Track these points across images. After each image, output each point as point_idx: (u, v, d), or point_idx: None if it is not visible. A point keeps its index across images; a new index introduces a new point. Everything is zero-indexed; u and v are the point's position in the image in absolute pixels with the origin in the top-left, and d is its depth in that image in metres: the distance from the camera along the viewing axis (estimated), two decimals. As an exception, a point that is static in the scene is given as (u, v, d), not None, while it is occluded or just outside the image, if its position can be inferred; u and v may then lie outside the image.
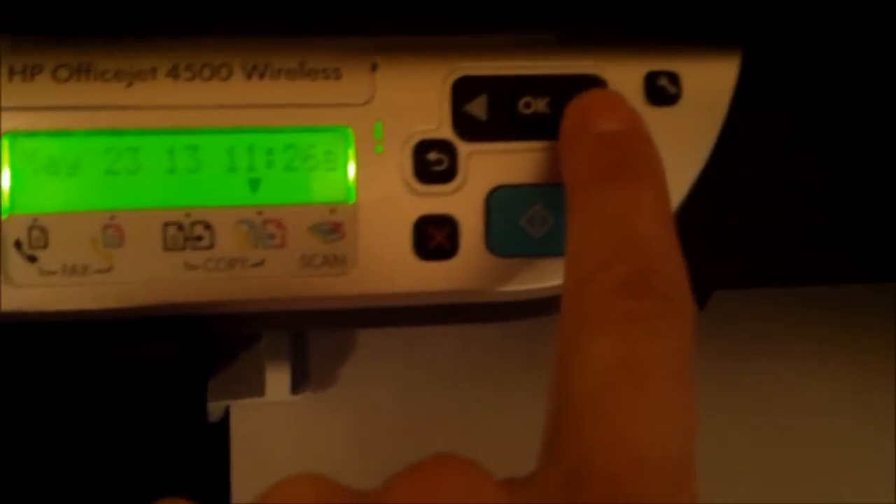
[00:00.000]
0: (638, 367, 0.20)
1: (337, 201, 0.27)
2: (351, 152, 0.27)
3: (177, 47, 0.26)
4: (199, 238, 0.26)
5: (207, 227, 0.26)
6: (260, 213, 0.26)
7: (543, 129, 0.27)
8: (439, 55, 0.27)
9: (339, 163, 0.27)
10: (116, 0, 0.26)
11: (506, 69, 0.27)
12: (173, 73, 0.26)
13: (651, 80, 0.28)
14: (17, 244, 0.26)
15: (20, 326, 0.27)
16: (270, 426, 0.41)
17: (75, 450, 0.40)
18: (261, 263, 0.27)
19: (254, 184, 0.26)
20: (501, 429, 0.41)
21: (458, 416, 0.43)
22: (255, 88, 0.26)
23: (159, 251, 0.26)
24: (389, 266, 0.27)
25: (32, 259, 0.26)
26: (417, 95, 0.27)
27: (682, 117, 0.28)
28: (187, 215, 0.26)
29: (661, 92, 0.28)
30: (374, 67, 0.27)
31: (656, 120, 0.27)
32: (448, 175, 0.27)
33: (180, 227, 0.26)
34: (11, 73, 0.26)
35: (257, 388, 0.40)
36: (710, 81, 0.28)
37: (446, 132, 0.27)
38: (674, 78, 0.28)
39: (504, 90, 0.27)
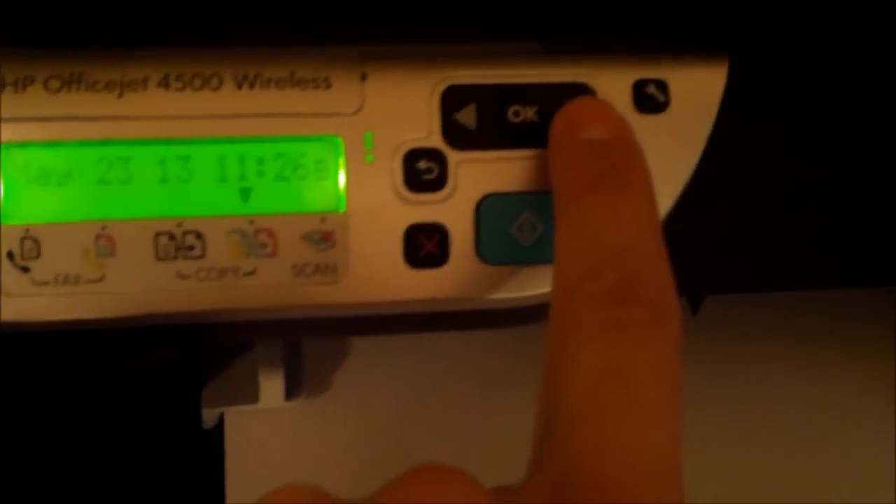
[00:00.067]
0: (625, 373, 0.20)
1: (328, 210, 0.27)
2: (341, 161, 0.27)
3: (167, 57, 0.26)
4: (191, 247, 0.26)
5: (199, 236, 0.26)
6: (251, 222, 0.27)
7: (533, 137, 0.27)
8: (428, 64, 0.27)
9: (330, 172, 0.27)
10: (107, 11, 0.26)
11: (495, 78, 0.28)
12: (164, 84, 0.26)
13: (639, 87, 0.28)
14: (10, 255, 0.26)
15: (13, 336, 0.27)
16: (264, 433, 0.41)
17: (70, 457, 0.40)
18: (252, 272, 0.27)
19: (245, 193, 0.27)
20: (496, 433, 0.41)
21: (452, 422, 0.43)
22: (245, 98, 0.26)
23: (151, 261, 0.26)
24: (380, 274, 0.27)
25: (25, 269, 0.26)
26: (407, 104, 0.27)
27: (670, 125, 0.28)
28: (179, 225, 0.26)
29: (649, 100, 0.28)
30: (363, 77, 0.27)
31: (645, 127, 0.27)
32: (438, 183, 0.27)
33: (172, 237, 0.26)
34: (3, 84, 0.26)
35: (251, 395, 0.40)
36: (698, 89, 0.29)
37: (436, 141, 0.27)
38: (662, 86, 0.28)
39: (493, 99, 0.27)
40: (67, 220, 0.26)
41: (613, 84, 0.28)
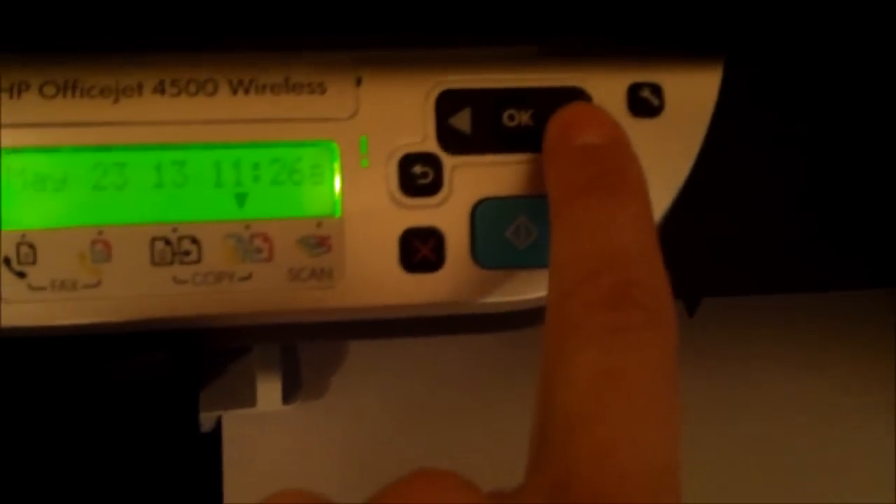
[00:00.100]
0: (621, 378, 0.20)
1: (323, 215, 0.27)
2: (336, 166, 0.27)
3: (162, 63, 0.26)
4: (187, 252, 0.26)
5: (195, 241, 0.26)
6: (247, 227, 0.27)
7: (528, 141, 0.28)
8: (423, 69, 0.27)
9: (325, 177, 0.27)
10: (102, 17, 0.26)
11: (489, 82, 0.28)
12: (159, 89, 0.26)
13: (634, 91, 0.28)
14: (6, 260, 0.26)
15: (10, 341, 0.27)
16: (262, 436, 0.41)
17: (68, 462, 0.40)
18: (248, 277, 0.27)
19: (241, 198, 0.27)
20: (493, 437, 0.41)
21: (449, 425, 0.43)
22: (240, 103, 0.27)
23: (147, 266, 0.26)
24: (376, 279, 0.27)
25: (21, 275, 0.26)
26: (402, 109, 0.27)
27: (665, 129, 0.28)
28: (175, 230, 0.26)
29: (643, 104, 0.28)
30: (358, 82, 0.27)
31: (639, 131, 0.27)
32: (433, 188, 0.27)
33: (168, 242, 0.26)
34: (-2, 90, 0.26)
35: (249, 399, 0.40)
36: (693, 92, 0.29)
37: (431, 145, 0.27)
38: (656, 89, 0.28)
39: (488, 103, 0.28)
40: (63, 226, 0.26)
41: (608, 88, 0.28)
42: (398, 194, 0.27)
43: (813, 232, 0.31)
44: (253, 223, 0.27)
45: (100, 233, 0.26)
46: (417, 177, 0.27)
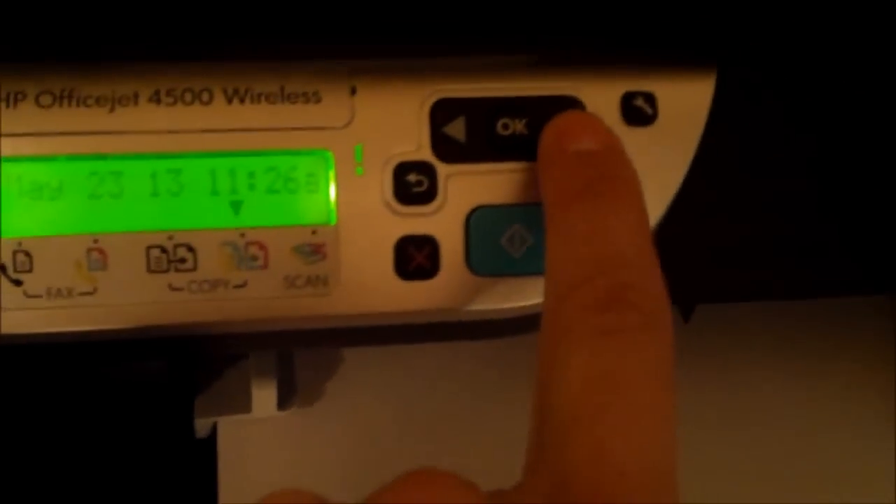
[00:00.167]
0: (616, 378, 0.20)
1: (318, 223, 0.27)
2: (331, 175, 0.27)
3: (158, 73, 0.27)
4: (183, 260, 0.27)
5: (190, 249, 0.27)
6: (242, 235, 0.27)
7: (522, 149, 0.28)
8: (417, 78, 0.28)
9: (320, 185, 0.27)
10: (98, 27, 0.26)
11: (484, 91, 0.28)
12: (155, 98, 0.26)
13: (627, 100, 0.28)
14: (3, 268, 0.26)
15: (6, 348, 0.27)
16: (257, 442, 0.41)
17: (63, 468, 0.40)
18: (244, 285, 0.27)
19: (236, 206, 0.27)
20: (489, 441, 0.41)
21: (445, 430, 0.43)
22: (236, 113, 0.27)
23: (143, 273, 0.26)
24: (371, 286, 0.27)
25: (17, 283, 0.26)
26: (396, 118, 0.27)
27: (658, 137, 0.28)
28: (170, 238, 0.26)
29: (637, 112, 0.28)
30: (353, 91, 0.27)
31: (633, 140, 0.28)
32: (428, 196, 0.27)
33: (163, 250, 0.26)
34: (-5, 100, 0.26)
35: (244, 405, 0.40)
36: (686, 101, 0.29)
37: (426, 154, 0.27)
38: (650, 98, 0.28)
39: (482, 112, 0.28)
40: (59, 234, 0.26)
41: (602, 97, 0.28)
42: (393, 202, 0.27)
43: (808, 239, 0.31)
44: (248, 231, 0.27)
45: (95, 241, 0.26)
46: (412, 185, 0.27)
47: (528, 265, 0.28)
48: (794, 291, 0.32)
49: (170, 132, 0.26)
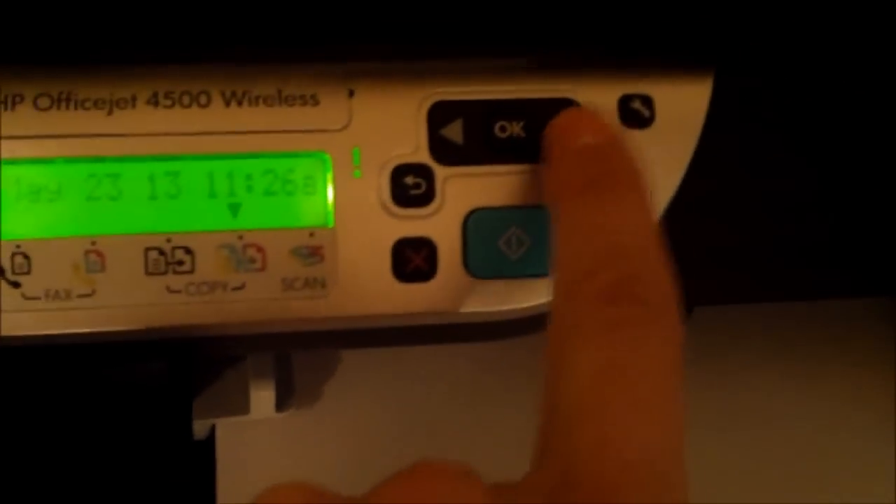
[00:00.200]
0: (624, 371, 0.20)
1: (316, 225, 0.27)
2: (329, 177, 0.27)
3: (156, 75, 0.27)
4: (181, 263, 0.27)
5: (188, 251, 0.27)
6: (240, 237, 0.27)
7: (519, 152, 0.28)
8: (415, 81, 0.28)
9: (318, 187, 0.27)
10: (96, 30, 0.26)
11: (481, 94, 0.28)
12: (153, 101, 0.26)
13: (625, 103, 0.28)
14: (1, 270, 0.26)
15: (4, 350, 0.27)
16: (256, 444, 0.41)
17: (60, 469, 0.40)
18: (242, 287, 0.27)
19: (234, 209, 0.27)
20: (488, 442, 0.41)
21: (443, 431, 0.43)
22: (233, 115, 0.27)
23: (141, 276, 0.26)
24: (369, 288, 0.27)
25: (16, 285, 0.26)
26: (394, 120, 0.27)
27: (655, 140, 0.28)
28: (168, 240, 0.27)
29: (634, 115, 0.28)
30: (350, 93, 0.27)
31: (630, 142, 0.27)
32: (425, 198, 0.27)
33: (161, 252, 0.27)
34: (-6, 103, 0.26)
35: (242, 407, 0.40)
36: (684, 104, 0.29)
37: (423, 156, 0.27)
38: (647, 101, 0.28)
39: (480, 114, 0.28)
40: (57, 236, 0.26)
41: (599, 99, 0.28)
42: (390, 204, 0.27)
43: (806, 241, 0.31)
44: (246, 233, 0.27)
45: (93, 243, 0.26)
46: (410, 187, 0.27)
47: (525, 267, 0.28)
48: (793, 293, 0.32)
49: (168, 134, 0.26)
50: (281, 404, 0.41)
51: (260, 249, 0.27)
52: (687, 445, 0.21)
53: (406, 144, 0.27)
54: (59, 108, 0.26)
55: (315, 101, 0.27)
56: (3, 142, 0.26)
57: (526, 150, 0.28)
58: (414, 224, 0.27)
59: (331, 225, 0.27)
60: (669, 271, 0.23)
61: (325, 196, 0.27)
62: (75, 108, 0.26)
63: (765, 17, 0.28)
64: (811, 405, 0.45)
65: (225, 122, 0.27)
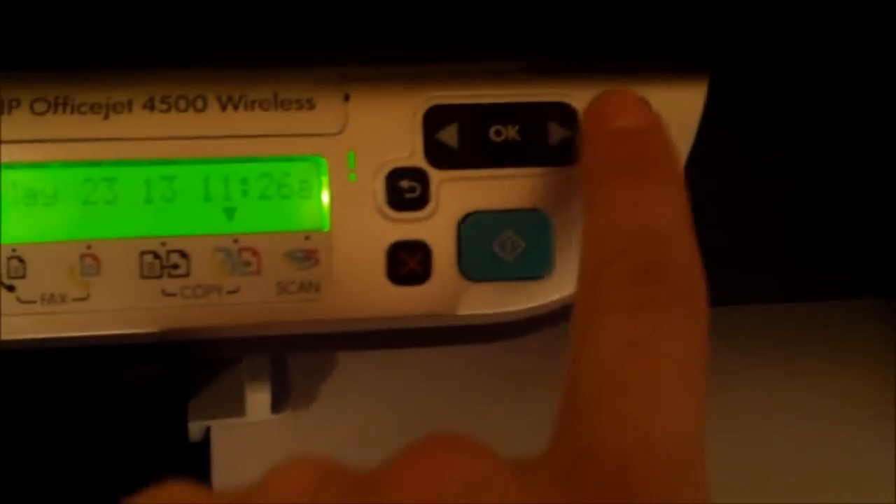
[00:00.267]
0: (648, 349, 0.20)
1: (311, 229, 0.27)
2: (325, 181, 0.27)
3: (153, 80, 0.27)
4: (176, 266, 0.27)
5: (184, 255, 0.27)
6: (235, 241, 0.27)
7: (514, 155, 0.28)
8: (411, 85, 0.28)
9: (313, 191, 0.27)
10: (92, 35, 0.26)
11: (477, 98, 0.28)
12: (149, 105, 0.27)
13: (620, 106, 0.28)
14: None
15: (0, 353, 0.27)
16: (251, 446, 0.41)
17: (55, 471, 0.40)
18: (237, 290, 0.27)
19: (229, 212, 0.27)
20: (486, 442, 0.41)
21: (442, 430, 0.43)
22: (229, 119, 0.27)
23: (136, 279, 0.27)
24: (363, 291, 0.27)
25: (10, 289, 0.26)
26: (390, 124, 0.27)
27: (651, 142, 0.28)
28: (163, 244, 0.27)
29: (630, 118, 0.28)
30: (346, 98, 0.27)
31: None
32: (420, 202, 0.28)
33: (157, 256, 0.27)
34: (-9, 107, 0.26)
35: (238, 409, 0.40)
36: (679, 107, 0.29)
37: (418, 160, 0.28)
38: (643, 104, 0.28)
39: (475, 118, 0.28)
40: (53, 240, 0.26)
41: None
42: (385, 208, 0.27)
43: (805, 242, 0.31)
44: (241, 237, 0.27)
45: (89, 247, 0.26)
46: (405, 191, 0.27)
47: (520, 270, 0.28)
48: (792, 294, 0.32)
49: (164, 139, 0.26)
50: (277, 406, 0.41)
51: (255, 253, 0.27)
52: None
53: (401, 148, 0.27)
54: (55, 112, 0.26)
55: (311, 106, 0.27)
56: (0, 146, 0.26)
57: (521, 154, 0.28)
58: (409, 227, 0.28)
59: (326, 229, 0.27)
60: (699, 257, 0.22)
61: (320, 200, 0.27)
62: (72, 113, 0.26)
63: (759, 18, 0.28)
64: (811, 406, 0.45)
65: (221, 126, 0.27)
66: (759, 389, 0.45)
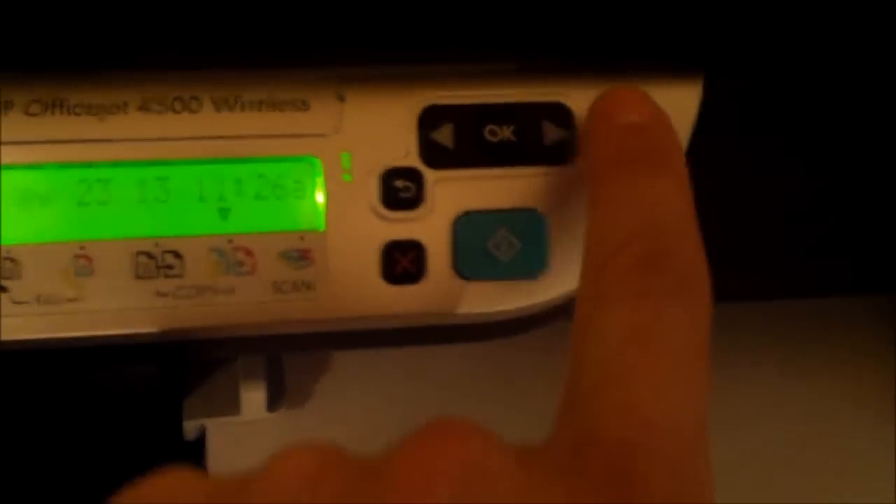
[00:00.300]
0: (651, 337, 0.20)
1: (306, 229, 0.27)
2: (319, 181, 0.27)
3: (147, 81, 0.27)
4: (170, 266, 0.27)
5: (178, 255, 0.27)
6: (230, 241, 0.27)
7: (509, 155, 0.28)
8: (406, 85, 0.28)
9: (308, 191, 0.27)
10: (87, 36, 0.26)
11: (472, 98, 0.28)
12: (144, 107, 0.26)
13: (616, 106, 0.28)
14: None
15: (-6, 354, 0.27)
16: (247, 444, 0.41)
17: (50, 471, 0.40)
18: (231, 290, 0.27)
19: (224, 213, 0.27)
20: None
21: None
22: (224, 120, 0.27)
23: (130, 280, 0.26)
24: (358, 291, 0.27)
25: (4, 289, 0.26)
26: (385, 125, 0.27)
27: (647, 142, 0.28)
28: (157, 244, 0.27)
29: (625, 117, 0.28)
30: (341, 98, 0.27)
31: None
32: (415, 202, 0.28)
33: (151, 256, 0.27)
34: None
35: (233, 407, 0.40)
36: (674, 106, 0.28)
37: (413, 160, 0.28)
38: (637, 104, 0.28)
39: (470, 118, 0.28)
40: (47, 241, 0.26)
41: (589, 102, 0.28)
42: (380, 208, 0.27)
43: (803, 240, 0.31)
44: (236, 237, 0.27)
45: (82, 248, 0.26)
46: (399, 191, 0.27)
47: (514, 269, 0.28)
48: (790, 291, 0.33)
49: (158, 140, 0.26)
50: (272, 404, 0.41)
51: (249, 253, 0.27)
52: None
53: (396, 148, 0.27)
54: (51, 114, 0.26)
55: (306, 106, 0.27)
56: (-2, 147, 0.26)
57: (516, 154, 0.28)
58: (403, 227, 0.28)
59: (321, 228, 0.27)
60: (703, 249, 0.23)
61: (314, 200, 0.27)
62: (67, 114, 0.26)
63: (754, 17, 0.28)
64: (811, 404, 0.45)
65: (216, 127, 0.27)
66: (760, 387, 0.45)
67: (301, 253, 0.27)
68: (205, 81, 0.27)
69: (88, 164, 0.26)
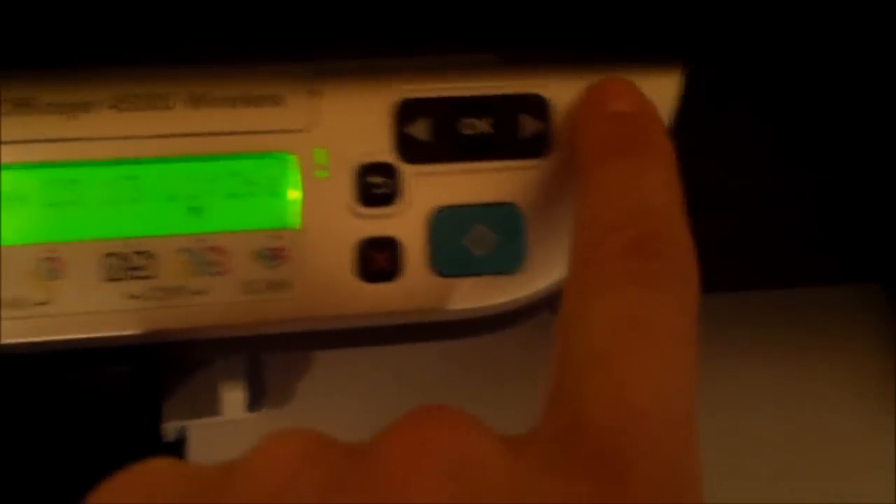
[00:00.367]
0: (639, 321, 0.20)
1: (280, 227, 0.27)
2: (294, 178, 0.27)
3: (118, 78, 0.26)
4: (141, 268, 0.26)
5: (149, 256, 0.26)
6: (202, 240, 0.26)
7: (486, 149, 0.28)
8: (381, 79, 0.27)
9: (282, 189, 0.27)
10: (57, 34, 0.25)
11: (448, 91, 0.28)
12: (115, 105, 0.26)
13: (594, 97, 0.28)
14: None
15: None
16: (228, 445, 0.41)
17: (27, 475, 0.40)
18: (204, 291, 0.26)
19: (196, 212, 0.26)
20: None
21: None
22: (197, 117, 0.26)
23: (101, 282, 0.26)
24: (333, 289, 0.27)
25: None
26: (360, 119, 0.27)
27: (625, 133, 0.28)
28: (128, 245, 0.26)
29: (603, 108, 0.28)
30: (315, 93, 0.27)
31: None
32: (390, 197, 0.27)
33: (121, 258, 0.26)
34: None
35: (213, 408, 0.40)
36: (653, 97, 0.28)
37: (389, 155, 0.27)
38: (615, 94, 0.28)
39: (446, 112, 0.28)
40: (15, 244, 0.26)
41: (568, 94, 0.28)
42: (355, 204, 0.27)
43: (790, 229, 0.31)
44: (208, 237, 0.26)
45: (52, 250, 0.26)
46: (374, 186, 0.27)
47: (491, 265, 0.28)
48: (778, 281, 0.33)
49: (130, 138, 0.26)
50: (253, 404, 0.40)
51: (222, 252, 0.26)
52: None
53: (372, 143, 0.27)
54: (20, 113, 0.26)
55: (280, 102, 0.27)
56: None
57: (493, 147, 0.28)
58: (378, 223, 0.27)
59: (294, 226, 0.27)
60: (690, 236, 0.23)
61: (289, 197, 0.27)
62: (37, 113, 0.26)
63: (733, 6, 0.28)
64: (809, 396, 0.45)
65: (188, 124, 0.26)
66: (751, 377, 0.45)
67: (274, 252, 0.27)
68: (177, 78, 0.26)
69: (58, 164, 0.26)
